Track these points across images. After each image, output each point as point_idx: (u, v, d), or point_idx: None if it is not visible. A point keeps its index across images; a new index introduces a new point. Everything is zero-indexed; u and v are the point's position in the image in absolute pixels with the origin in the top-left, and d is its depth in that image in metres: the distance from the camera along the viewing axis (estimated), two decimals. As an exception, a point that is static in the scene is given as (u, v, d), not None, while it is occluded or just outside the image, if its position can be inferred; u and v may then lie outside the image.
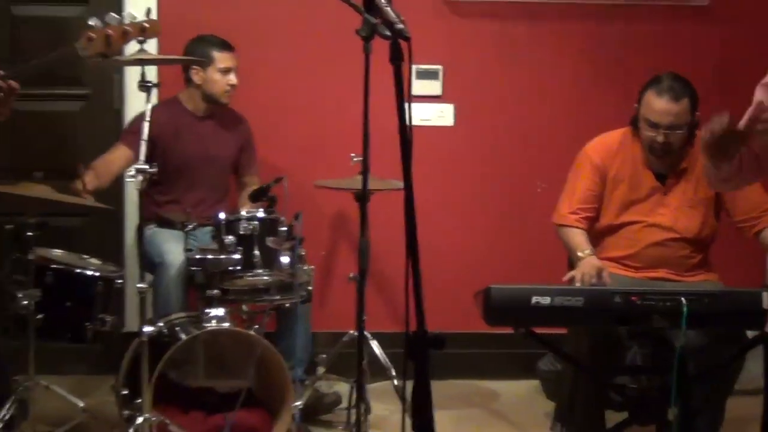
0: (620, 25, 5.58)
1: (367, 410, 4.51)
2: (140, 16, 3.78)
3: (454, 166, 5.60)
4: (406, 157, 2.57)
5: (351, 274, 4.38)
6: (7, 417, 4.05)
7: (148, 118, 3.90)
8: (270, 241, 4.25)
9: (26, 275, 4.00)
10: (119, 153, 4.82)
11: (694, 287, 4.04)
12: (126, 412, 4.15)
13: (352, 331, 4.80)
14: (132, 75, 5.08)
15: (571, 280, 4.01)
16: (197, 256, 4.24)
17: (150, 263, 4.57)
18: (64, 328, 4.18)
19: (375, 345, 4.75)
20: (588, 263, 4.10)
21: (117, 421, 4.25)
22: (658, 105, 4.19)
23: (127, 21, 3.72)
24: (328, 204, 5.39)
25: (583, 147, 4.48)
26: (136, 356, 4.03)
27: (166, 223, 4.83)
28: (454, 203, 5.60)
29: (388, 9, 2.63)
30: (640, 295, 3.43)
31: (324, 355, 4.85)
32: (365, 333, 4.53)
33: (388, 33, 2.60)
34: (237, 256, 4.19)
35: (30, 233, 4.01)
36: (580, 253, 4.19)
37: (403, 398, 2.79)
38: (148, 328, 3.89)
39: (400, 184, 2.59)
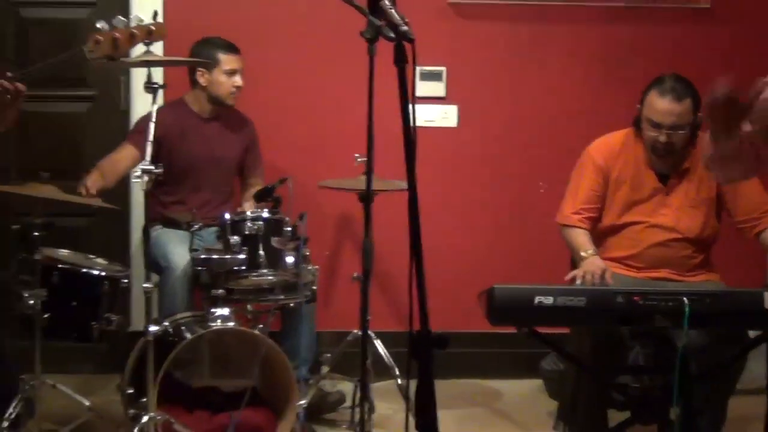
0: (623, 28, 5.59)
1: (371, 409, 4.51)
2: (147, 19, 3.81)
3: (457, 167, 5.61)
4: (410, 157, 2.58)
5: (355, 274, 4.40)
6: (13, 415, 4.05)
7: (153, 119, 3.93)
8: (275, 242, 4.27)
9: (33, 275, 4.01)
10: (125, 153, 4.83)
11: (696, 287, 4.05)
12: (131, 411, 4.16)
13: (356, 331, 4.81)
14: (138, 76, 5.09)
15: (574, 279, 4.03)
16: (202, 256, 4.26)
17: (155, 265, 4.60)
18: (71, 328, 4.19)
19: (379, 344, 4.76)
20: (591, 263, 4.12)
21: (122, 420, 4.26)
22: (661, 105, 4.21)
23: (134, 24, 3.75)
24: (332, 204, 5.40)
25: (585, 148, 4.50)
26: (142, 355, 4.04)
27: (171, 224, 4.84)
28: (458, 204, 5.62)
29: (393, 11, 2.64)
30: (643, 295, 3.44)
31: (328, 355, 4.86)
32: (369, 332, 4.52)
33: (392, 35, 2.61)
34: (242, 256, 4.21)
35: (36, 233, 4.01)
36: (583, 253, 4.21)
37: (406, 397, 2.82)
38: (153, 328, 3.91)
39: (404, 185, 2.60)
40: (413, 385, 2.60)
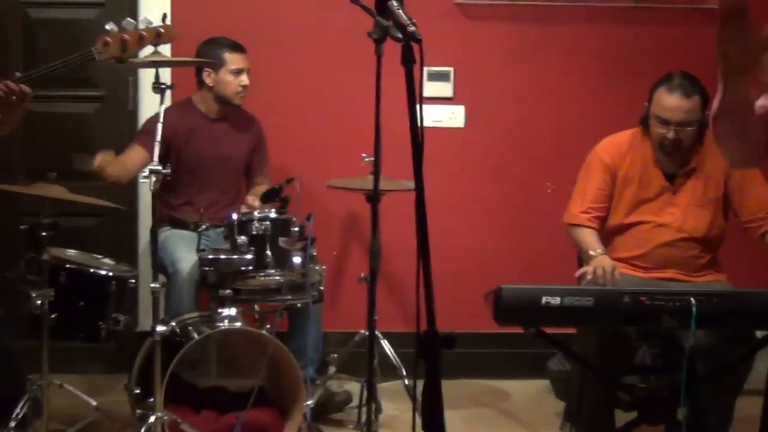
0: (630, 28, 5.59)
1: (378, 409, 4.53)
2: (156, 21, 3.81)
3: (464, 167, 5.61)
4: (417, 158, 2.58)
5: (362, 274, 4.40)
6: (20, 415, 4.07)
7: (161, 120, 3.93)
8: (282, 242, 4.27)
9: (40, 275, 4.03)
10: (134, 153, 4.83)
11: (703, 288, 4.05)
12: (138, 411, 4.18)
13: (363, 331, 4.82)
14: (146, 77, 5.10)
15: (583, 276, 4.02)
16: (210, 257, 4.26)
17: (162, 266, 4.61)
18: (78, 328, 4.20)
19: (386, 344, 4.76)
20: (601, 260, 4.12)
21: (130, 419, 4.28)
22: (670, 101, 4.21)
23: (142, 26, 3.75)
24: (339, 205, 5.41)
25: (593, 148, 4.50)
26: (149, 355, 4.05)
27: (179, 224, 4.85)
28: (465, 204, 5.62)
29: (400, 11, 2.65)
30: (650, 296, 3.43)
31: (335, 355, 4.86)
32: (376, 332, 4.55)
33: (399, 35, 2.62)
34: (249, 257, 4.22)
35: (44, 233, 4.03)
36: (592, 252, 4.21)
37: (413, 397, 2.82)
38: (160, 328, 3.91)
39: (412, 185, 2.60)
40: (420, 385, 2.60)
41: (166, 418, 3.93)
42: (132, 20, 3.73)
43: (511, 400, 5.29)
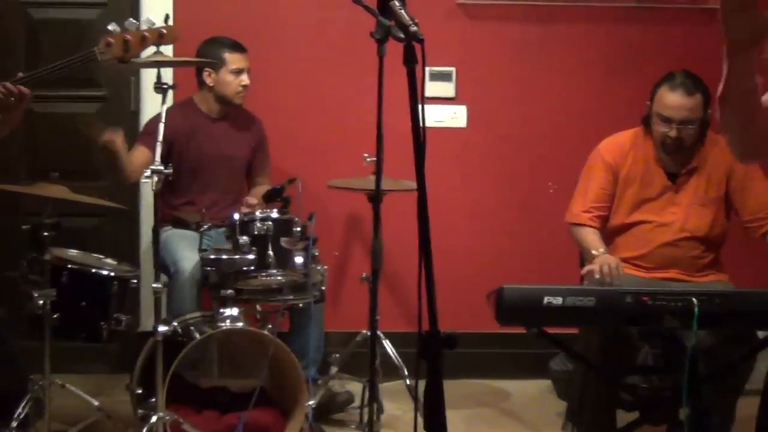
0: (632, 28, 5.59)
1: (380, 409, 4.53)
2: (159, 22, 3.81)
3: (466, 167, 5.61)
4: (419, 158, 2.58)
5: (364, 274, 4.40)
6: (22, 415, 4.07)
7: (163, 120, 3.93)
8: (284, 242, 4.28)
9: (42, 275, 4.03)
10: (138, 153, 4.80)
11: (705, 288, 4.05)
12: (140, 411, 4.18)
13: (364, 331, 4.82)
14: (148, 77, 5.09)
15: (589, 274, 4.02)
16: (212, 257, 4.26)
17: (164, 266, 4.62)
18: (80, 328, 4.20)
19: (387, 344, 4.77)
20: (605, 259, 4.11)
21: (131, 420, 4.27)
22: (672, 99, 4.21)
23: (145, 27, 3.76)
24: (341, 205, 5.41)
25: (595, 148, 4.50)
26: (151, 355, 4.05)
27: (181, 224, 4.84)
28: (467, 204, 5.62)
29: (402, 11, 2.64)
30: (652, 296, 3.43)
31: (337, 355, 4.87)
32: (378, 333, 4.54)
33: (401, 35, 2.62)
34: (251, 257, 4.22)
35: (46, 233, 4.03)
36: (594, 252, 4.20)
37: (415, 397, 2.82)
38: (162, 328, 3.92)
39: (413, 185, 2.60)
40: (422, 385, 2.60)
41: (167, 418, 3.93)
42: (134, 21, 3.73)
43: (513, 400, 5.29)
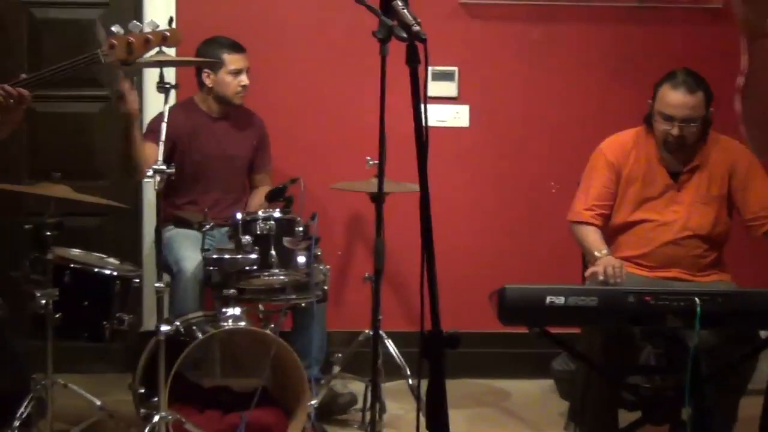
0: (635, 28, 5.58)
1: (382, 409, 4.53)
2: (163, 25, 3.81)
3: (469, 167, 5.61)
4: (422, 157, 2.58)
5: (366, 274, 4.41)
6: (25, 415, 4.07)
7: (165, 119, 3.94)
8: (286, 241, 4.28)
9: (45, 275, 4.03)
10: (146, 147, 4.77)
11: (707, 287, 4.05)
12: (143, 411, 4.18)
13: (367, 331, 4.81)
14: (150, 77, 5.10)
15: (593, 276, 4.01)
16: (214, 256, 4.27)
17: (167, 266, 4.62)
18: (82, 327, 4.20)
19: (390, 344, 4.77)
20: (608, 260, 4.10)
21: (134, 419, 4.28)
22: (674, 97, 4.21)
23: (148, 29, 3.75)
24: (343, 204, 5.41)
25: (597, 147, 4.50)
26: (153, 355, 4.05)
27: (183, 224, 4.84)
28: (469, 203, 5.62)
29: (405, 11, 2.65)
30: (654, 295, 3.43)
31: (339, 355, 4.86)
32: (380, 332, 4.55)
33: (404, 35, 2.62)
34: (253, 256, 4.22)
35: (48, 233, 4.03)
36: (597, 253, 4.19)
37: (417, 397, 2.81)
38: (165, 327, 3.92)
39: (416, 188, 2.60)
40: (424, 385, 2.60)
41: (170, 417, 3.93)
42: (138, 23, 3.73)
43: (515, 400, 5.28)
